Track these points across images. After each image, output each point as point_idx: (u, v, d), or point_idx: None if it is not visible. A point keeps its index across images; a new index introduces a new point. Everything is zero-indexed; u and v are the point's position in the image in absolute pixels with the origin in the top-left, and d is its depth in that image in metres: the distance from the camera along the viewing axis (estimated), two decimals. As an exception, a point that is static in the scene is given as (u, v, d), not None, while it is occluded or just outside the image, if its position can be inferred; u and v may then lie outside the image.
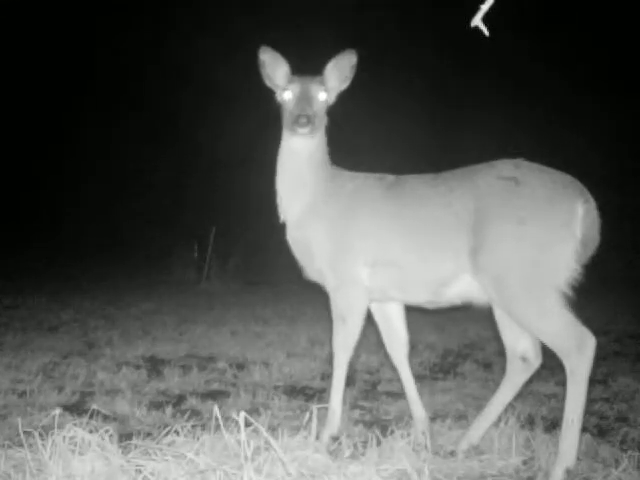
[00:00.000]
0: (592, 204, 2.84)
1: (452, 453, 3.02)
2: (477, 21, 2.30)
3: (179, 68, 12.81)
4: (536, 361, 3.09)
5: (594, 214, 2.84)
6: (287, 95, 3.20)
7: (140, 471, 2.44)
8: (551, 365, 4.91)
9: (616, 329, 6.47)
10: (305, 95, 3.16)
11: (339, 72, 3.22)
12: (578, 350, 2.74)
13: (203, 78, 12.50)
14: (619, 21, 11.53)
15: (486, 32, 2.31)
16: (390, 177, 3.23)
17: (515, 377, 3.10)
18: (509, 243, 2.79)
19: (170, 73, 13.06)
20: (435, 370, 4.86)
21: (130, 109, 12.99)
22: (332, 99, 3.27)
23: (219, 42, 12.39)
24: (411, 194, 3.11)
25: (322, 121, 3.23)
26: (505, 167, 2.92)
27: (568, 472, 2.70)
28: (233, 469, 2.40)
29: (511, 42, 10.18)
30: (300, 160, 3.22)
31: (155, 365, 4.83)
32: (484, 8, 2.28)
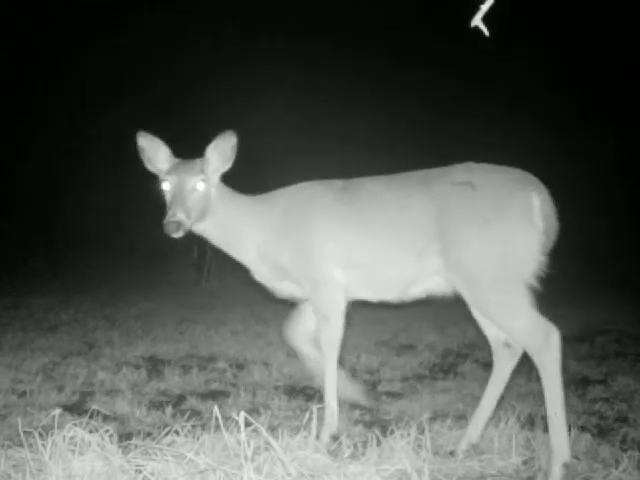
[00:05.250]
0: (545, 193, 2.95)
1: (452, 453, 3.02)
2: (477, 21, 2.31)
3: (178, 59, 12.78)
4: (520, 346, 3.11)
5: (549, 202, 2.96)
6: (165, 186, 3.20)
7: (140, 471, 2.44)
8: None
9: (616, 329, 6.47)
10: (180, 192, 3.13)
11: (220, 155, 3.23)
12: (546, 346, 2.81)
13: (202, 74, 12.50)
14: (620, 28, 11.55)
15: (486, 32, 2.31)
16: (338, 181, 3.29)
17: (502, 366, 3.14)
18: (476, 244, 2.89)
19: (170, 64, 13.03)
20: (435, 370, 4.85)
21: (128, 106, 12.97)
22: (215, 181, 3.26)
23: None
24: (368, 197, 3.18)
25: (205, 205, 3.21)
26: (458, 172, 3.03)
27: (566, 467, 2.73)
28: (233, 469, 2.41)
29: (508, 49, 10.22)
30: (214, 234, 3.33)
31: (155, 365, 4.83)
32: (484, 8, 2.29)
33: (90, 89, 13.28)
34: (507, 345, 3.13)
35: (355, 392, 3.56)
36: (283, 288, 3.39)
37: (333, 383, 3.22)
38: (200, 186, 3.19)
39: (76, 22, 12.34)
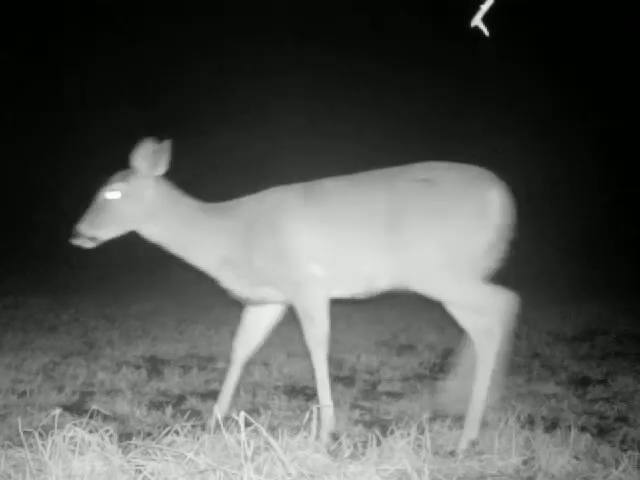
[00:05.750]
0: (503, 189, 3.11)
1: (452, 453, 3.02)
2: (477, 21, 2.31)
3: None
4: (499, 329, 3.16)
5: (506, 198, 3.09)
6: None
7: (140, 471, 2.43)
8: (551, 365, 4.93)
9: (616, 329, 6.46)
10: (92, 204, 3.33)
11: (144, 162, 3.29)
12: (496, 308, 3.08)
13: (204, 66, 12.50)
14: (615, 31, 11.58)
15: (486, 32, 2.31)
16: (299, 184, 3.37)
17: (485, 354, 3.16)
18: (431, 237, 3.04)
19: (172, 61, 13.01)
20: (435, 370, 4.85)
21: (133, 106, 12.96)
22: (149, 187, 3.33)
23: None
24: (333, 195, 3.26)
25: (126, 214, 3.33)
26: (418, 170, 3.17)
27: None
28: (233, 469, 2.40)
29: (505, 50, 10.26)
30: (164, 238, 3.43)
31: (155, 365, 4.83)
32: (484, 8, 2.29)
33: (97, 84, 13.25)
34: (486, 332, 3.15)
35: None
36: (259, 294, 3.41)
37: (326, 383, 3.25)
38: (113, 195, 3.31)
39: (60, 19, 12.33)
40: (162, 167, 3.32)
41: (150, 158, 3.29)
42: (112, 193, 3.32)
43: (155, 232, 3.40)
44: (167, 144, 3.31)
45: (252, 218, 3.34)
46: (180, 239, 3.41)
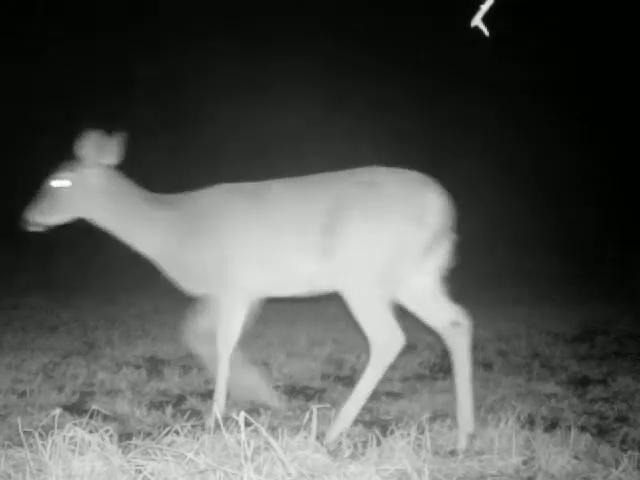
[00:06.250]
0: (441, 194, 3.15)
1: (452, 453, 3.02)
2: (477, 21, 2.31)
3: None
4: (465, 320, 3.24)
5: (445, 203, 3.15)
6: None
7: (140, 471, 2.43)
8: (551, 365, 4.93)
9: (616, 329, 6.47)
10: (41, 193, 3.48)
11: (90, 152, 3.42)
12: (387, 348, 3.20)
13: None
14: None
15: (486, 32, 2.31)
16: (247, 184, 3.46)
17: (458, 346, 3.22)
18: (363, 237, 3.09)
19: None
20: (435, 370, 4.85)
21: (138, 107, 12.94)
22: (94, 175, 3.45)
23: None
24: (276, 198, 3.33)
25: (73, 200, 3.46)
26: (361, 174, 3.24)
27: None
28: (233, 469, 2.40)
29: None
30: (106, 223, 3.53)
31: (155, 365, 4.83)
32: (484, 8, 2.29)
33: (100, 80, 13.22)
34: (454, 324, 3.23)
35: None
36: (197, 287, 3.53)
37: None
38: (60, 184, 3.45)
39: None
40: (110, 158, 3.44)
41: (95, 148, 3.40)
42: (59, 182, 3.44)
43: (99, 220, 3.51)
44: (118, 137, 3.43)
45: (196, 214, 3.44)
46: (122, 228, 3.52)
